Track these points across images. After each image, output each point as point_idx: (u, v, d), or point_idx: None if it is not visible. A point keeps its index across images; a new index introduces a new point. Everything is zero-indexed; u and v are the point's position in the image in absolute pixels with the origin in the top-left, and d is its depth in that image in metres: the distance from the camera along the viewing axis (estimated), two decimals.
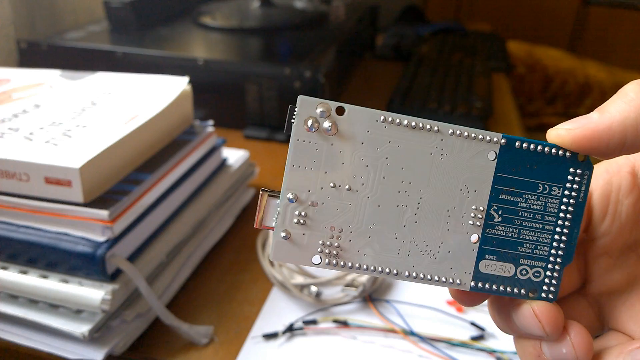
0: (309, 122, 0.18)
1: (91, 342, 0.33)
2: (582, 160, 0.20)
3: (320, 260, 0.19)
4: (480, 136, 0.19)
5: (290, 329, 0.36)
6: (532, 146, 0.20)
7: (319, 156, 0.19)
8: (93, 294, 0.32)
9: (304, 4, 0.90)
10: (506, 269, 0.21)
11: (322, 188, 0.19)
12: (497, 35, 1.17)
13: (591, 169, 0.20)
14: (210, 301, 0.39)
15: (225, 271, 0.42)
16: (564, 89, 1.46)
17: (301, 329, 0.37)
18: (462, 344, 0.36)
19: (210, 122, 0.47)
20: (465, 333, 0.37)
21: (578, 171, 0.20)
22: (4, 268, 0.34)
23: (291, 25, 0.79)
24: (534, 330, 0.20)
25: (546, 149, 0.20)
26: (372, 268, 0.20)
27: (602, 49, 1.67)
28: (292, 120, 0.18)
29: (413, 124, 0.19)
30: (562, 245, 0.20)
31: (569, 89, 1.45)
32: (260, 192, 0.19)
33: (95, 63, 0.64)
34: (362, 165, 0.19)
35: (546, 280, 0.21)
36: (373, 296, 0.40)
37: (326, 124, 0.18)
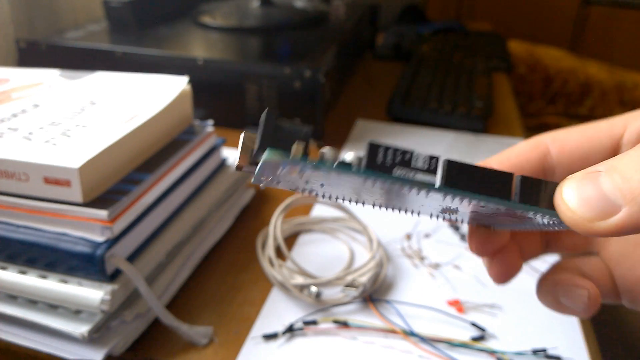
0: (279, 169, 0.16)
1: (90, 343, 0.33)
2: None
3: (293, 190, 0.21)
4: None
5: (290, 330, 0.36)
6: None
7: (294, 179, 0.18)
8: (92, 294, 0.32)
9: (304, 3, 0.90)
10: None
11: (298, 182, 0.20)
12: (497, 34, 1.17)
13: None
14: (210, 301, 0.39)
15: (225, 271, 0.42)
16: (565, 89, 1.45)
17: (301, 329, 0.36)
18: (463, 345, 0.36)
19: (210, 121, 0.47)
20: (465, 333, 0.37)
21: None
22: (3, 268, 0.34)
23: (291, 25, 0.79)
24: None
25: (545, 220, 0.19)
26: (341, 199, 0.22)
27: (602, 49, 1.67)
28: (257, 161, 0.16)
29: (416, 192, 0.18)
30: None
31: (570, 89, 1.45)
32: (242, 135, 0.18)
33: (94, 62, 0.64)
34: (346, 193, 0.20)
35: None
36: (373, 296, 0.40)
37: (298, 175, 0.17)
